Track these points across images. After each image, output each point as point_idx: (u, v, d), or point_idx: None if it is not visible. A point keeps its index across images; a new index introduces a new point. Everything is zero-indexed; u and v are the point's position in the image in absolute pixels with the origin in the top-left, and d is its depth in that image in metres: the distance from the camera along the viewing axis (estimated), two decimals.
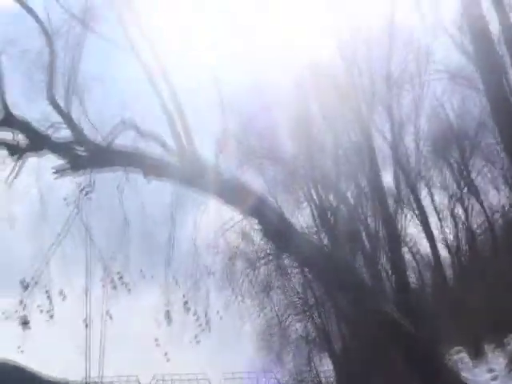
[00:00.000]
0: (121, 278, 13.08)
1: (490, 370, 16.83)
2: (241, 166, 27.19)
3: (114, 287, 12.74)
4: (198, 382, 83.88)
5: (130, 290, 13.17)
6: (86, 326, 4.54)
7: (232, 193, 14.92)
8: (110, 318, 9.41)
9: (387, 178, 29.31)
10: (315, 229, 34.24)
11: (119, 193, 13.96)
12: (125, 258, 13.91)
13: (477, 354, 20.70)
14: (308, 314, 40.10)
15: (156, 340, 13.32)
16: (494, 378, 15.90)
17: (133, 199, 15.19)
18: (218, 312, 17.00)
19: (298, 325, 40.21)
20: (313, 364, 39.82)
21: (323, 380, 41.70)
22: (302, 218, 33.63)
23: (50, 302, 12.52)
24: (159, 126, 14.96)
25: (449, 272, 33.71)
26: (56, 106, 13.91)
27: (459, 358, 21.49)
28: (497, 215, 29.11)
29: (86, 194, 12.74)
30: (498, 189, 28.13)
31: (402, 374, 20.50)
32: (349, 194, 34.38)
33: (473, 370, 18.21)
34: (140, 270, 13.84)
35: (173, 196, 15.90)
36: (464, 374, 16.11)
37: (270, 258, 33.79)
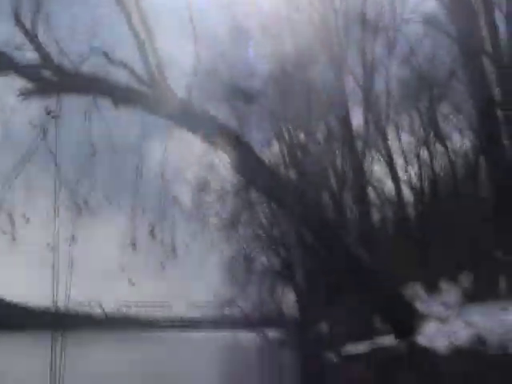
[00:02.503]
0: (86, 203, 13.03)
1: (444, 303, 17.65)
2: (211, 100, 26.83)
3: (80, 212, 12.69)
4: (162, 309, 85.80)
5: (95, 214, 13.14)
6: (52, 249, 4.57)
7: (202, 126, 14.83)
8: (75, 241, 9.41)
9: (357, 120, 29.59)
10: (283, 165, 34.58)
11: (87, 119, 13.67)
12: (91, 184, 13.84)
13: (432, 289, 21.62)
14: (273, 246, 41.01)
15: (121, 266, 13.46)
16: (447, 310, 16.72)
17: (101, 127, 14.96)
18: (184, 241, 17.22)
19: (262, 257, 41.16)
20: (276, 295, 41.08)
21: (286, 311, 43.21)
22: (271, 155, 33.84)
23: (13, 226, 12.48)
24: (130, 55, 14.57)
25: (411, 212, 34.72)
26: (22, 27, 13.33)
27: (415, 291, 22.42)
28: (460, 160, 29.95)
29: (53, 117, 12.42)
30: (462, 134, 28.71)
31: (361, 305, 21.45)
32: (318, 134, 34.73)
33: (427, 302, 19.04)
34: (106, 197, 13.80)
35: (141, 126, 15.70)
36: (418, 307, 16.90)
37: (238, 191, 34.09)
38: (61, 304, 4.94)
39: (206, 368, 21.80)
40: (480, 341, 10.15)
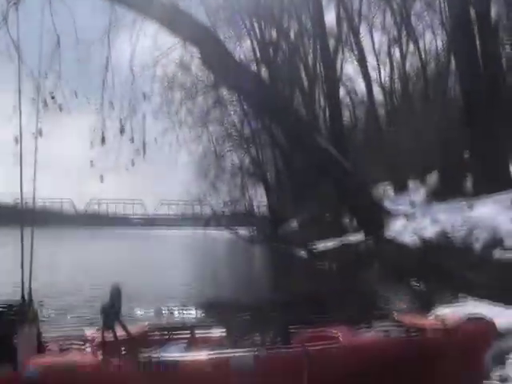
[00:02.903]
0: (53, 97, 12.57)
1: (411, 202, 18.23)
2: None
3: (46, 105, 12.23)
4: (133, 206, 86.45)
5: (62, 108, 12.73)
6: (17, 142, 4.42)
7: (172, 18, 14.13)
8: (41, 135, 9.12)
9: (330, 18, 28.75)
10: (255, 62, 33.84)
11: (50, 6, 12.81)
12: (57, 77, 13.29)
13: (401, 188, 22.27)
14: (244, 145, 41.02)
15: (91, 162, 13.29)
16: (413, 207, 17.30)
17: (67, 18, 14.17)
18: (155, 139, 17.04)
19: (233, 156, 41.25)
20: (246, 193, 41.74)
21: (256, 208, 44.11)
22: (242, 51, 32.97)
23: None
24: None
25: (381, 112, 34.88)
26: None
27: (385, 191, 23.07)
28: (431, 60, 29.74)
29: (14, 4, 11.60)
30: (435, 34, 28.27)
31: (331, 202, 22.02)
32: (291, 32, 33.80)
33: (396, 201, 19.65)
34: (74, 92, 13.33)
35: (109, 17, 14.90)
36: (387, 205, 17.42)
37: (208, 88, 33.41)
38: (29, 201, 4.87)
39: (179, 260, 22.49)
40: (445, 236, 10.64)
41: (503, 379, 3.61)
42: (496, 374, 3.79)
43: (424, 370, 3.89)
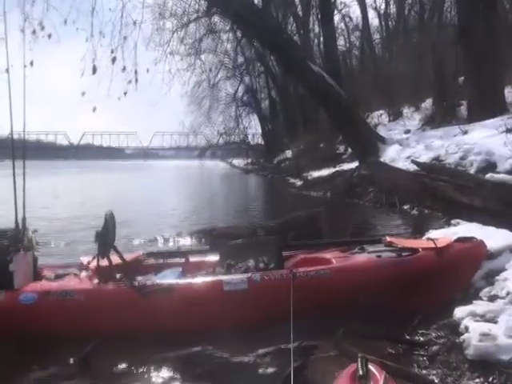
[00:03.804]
0: (43, 28, 12.12)
1: (406, 129, 18.18)
2: None
3: (34, 33, 11.81)
4: (127, 138, 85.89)
5: (50, 36, 12.30)
6: (7, 71, 4.26)
7: None
8: (31, 64, 8.84)
9: None
10: None
11: None
12: (46, 4, 12.77)
13: (395, 116, 22.10)
14: (238, 73, 40.25)
15: (83, 93, 13.00)
16: (407, 133, 17.28)
17: None
18: (147, 69, 16.60)
19: (227, 85, 40.56)
20: (241, 123, 41.41)
21: (250, 138, 43.95)
22: None
23: None
24: None
25: (376, 37, 34.14)
26: None
27: (379, 118, 22.89)
28: None
29: None
30: None
31: (326, 130, 21.92)
32: None
33: (390, 128, 19.58)
34: (64, 21, 12.86)
35: None
36: (382, 132, 17.36)
37: (201, 15, 32.31)
38: (20, 133, 4.81)
39: (174, 189, 22.61)
40: (439, 161, 10.66)
41: (491, 298, 3.69)
42: (485, 292, 3.87)
43: (414, 289, 3.97)
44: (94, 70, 13.07)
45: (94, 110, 13.28)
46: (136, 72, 13.96)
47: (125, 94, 13.87)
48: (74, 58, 15.37)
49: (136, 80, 14.17)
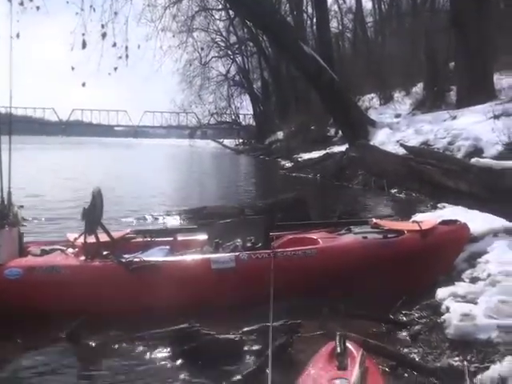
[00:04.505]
0: None
1: (397, 113, 18.25)
2: None
3: (22, 4, 11.63)
4: (117, 115, 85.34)
5: (39, 8, 12.12)
6: None
7: None
8: (18, 37, 8.71)
9: None
10: None
11: None
12: None
13: (386, 100, 22.11)
14: (230, 53, 39.97)
15: (73, 68, 12.88)
16: (398, 117, 17.35)
17: None
18: (138, 46, 16.47)
19: (219, 64, 40.32)
20: (233, 103, 41.25)
21: (242, 119, 43.81)
22: None
23: None
24: None
25: (369, 21, 33.91)
26: None
27: (371, 102, 22.91)
28: None
29: None
30: None
31: (317, 113, 21.89)
32: None
33: (381, 112, 19.62)
34: None
35: None
36: (373, 116, 17.38)
37: None
38: (6, 107, 4.75)
39: (164, 168, 22.51)
40: (427, 145, 10.75)
41: (473, 280, 3.76)
42: (467, 274, 3.94)
43: (398, 270, 4.02)
44: (84, 45, 12.97)
45: (84, 85, 13.21)
46: (127, 48, 13.89)
47: (115, 69, 13.82)
48: (63, 32, 15.25)
49: (126, 56, 14.10)
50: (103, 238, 4.31)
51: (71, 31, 13.28)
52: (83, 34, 13.08)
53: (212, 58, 39.28)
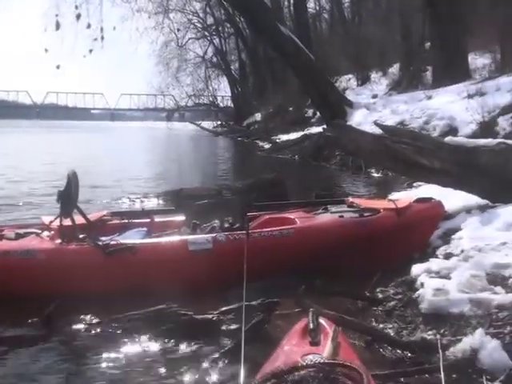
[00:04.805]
0: None
1: (373, 94, 18.36)
2: None
3: None
4: (93, 98, 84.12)
5: None
6: None
7: None
8: None
9: None
10: None
11: None
12: None
13: (363, 80, 22.20)
14: (207, 34, 39.53)
15: (46, 50, 12.63)
16: (374, 98, 17.45)
17: None
18: (113, 27, 16.19)
19: (196, 46, 39.87)
20: (210, 85, 40.90)
21: (220, 100, 43.50)
22: None
23: None
24: None
25: (346, 1, 33.82)
26: None
27: (348, 83, 22.97)
28: None
29: None
30: None
31: (295, 94, 21.84)
32: None
33: (358, 92, 19.71)
34: None
35: None
36: (350, 96, 17.42)
37: None
38: None
39: (141, 151, 22.31)
40: (403, 125, 10.84)
41: (447, 256, 3.83)
42: (441, 251, 4.01)
43: (375, 248, 4.08)
44: (58, 26, 12.73)
45: (58, 67, 13.00)
46: (102, 29, 13.64)
47: (90, 51, 13.60)
48: (35, 13, 14.90)
49: (102, 38, 13.86)
50: (79, 220, 4.27)
51: (44, 12, 13.00)
52: (56, 15, 12.81)
53: (189, 39, 38.86)
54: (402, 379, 2.68)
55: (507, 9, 12.42)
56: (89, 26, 13.55)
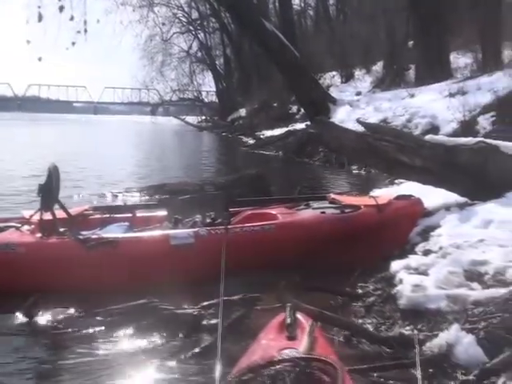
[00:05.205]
0: None
1: (357, 91, 18.46)
2: None
3: None
4: (76, 91, 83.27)
5: None
6: None
7: None
8: None
9: None
10: None
11: None
12: None
13: (347, 78, 22.29)
14: (192, 29, 39.34)
15: (28, 41, 12.47)
16: (358, 95, 17.55)
17: None
18: (97, 20, 16.03)
19: (181, 40, 39.65)
20: (195, 80, 40.72)
21: (204, 96, 43.34)
22: None
23: None
24: None
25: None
26: None
27: (332, 80, 23.04)
28: None
29: None
30: None
31: (279, 90, 21.86)
32: None
33: (342, 90, 19.80)
34: None
35: None
36: (334, 94, 17.49)
37: None
38: None
39: (125, 145, 22.15)
40: (386, 123, 10.93)
41: (425, 253, 3.88)
42: (420, 247, 4.06)
43: (355, 244, 4.11)
44: (40, 18, 12.56)
45: (40, 59, 12.84)
46: (85, 22, 13.49)
47: (73, 44, 13.46)
48: (18, 4, 14.73)
49: (85, 30, 13.71)
50: (60, 214, 4.24)
51: (27, 3, 12.84)
52: (39, 7, 12.64)
53: (174, 33, 38.63)
54: (380, 373, 2.71)
55: (487, 8, 12.55)
56: (72, 18, 13.38)
